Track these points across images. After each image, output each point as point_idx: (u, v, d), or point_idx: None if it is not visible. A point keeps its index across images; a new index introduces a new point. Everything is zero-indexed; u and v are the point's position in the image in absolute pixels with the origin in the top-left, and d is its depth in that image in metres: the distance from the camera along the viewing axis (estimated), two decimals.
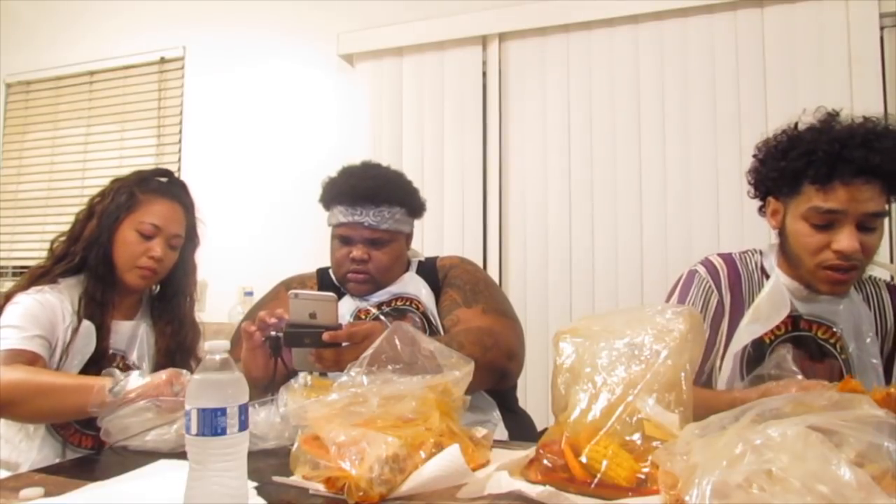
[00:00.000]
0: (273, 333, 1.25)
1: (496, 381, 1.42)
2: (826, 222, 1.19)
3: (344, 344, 1.21)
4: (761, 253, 1.37)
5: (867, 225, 1.18)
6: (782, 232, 1.28)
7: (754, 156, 1.34)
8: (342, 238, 1.57)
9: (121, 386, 1.17)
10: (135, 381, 1.18)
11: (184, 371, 1.22)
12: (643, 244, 2.37)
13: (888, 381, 1.26)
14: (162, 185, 1.52)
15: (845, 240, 1.16)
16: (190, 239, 1.55)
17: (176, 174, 1.59)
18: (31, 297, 1.37)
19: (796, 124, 1.27)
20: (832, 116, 1.23)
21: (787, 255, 1.28)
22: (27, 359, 1.28)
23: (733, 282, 1.33)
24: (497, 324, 1.46)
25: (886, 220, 2.04)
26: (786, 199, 1.26)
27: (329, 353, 1.21)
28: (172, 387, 1.17)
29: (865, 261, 1.21)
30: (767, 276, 1.31)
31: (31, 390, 1.20)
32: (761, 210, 1.36)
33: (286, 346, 1.24)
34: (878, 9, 2.15)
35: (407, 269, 1.64)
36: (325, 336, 1.19)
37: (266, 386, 1.24)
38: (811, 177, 1.19)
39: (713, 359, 1.29)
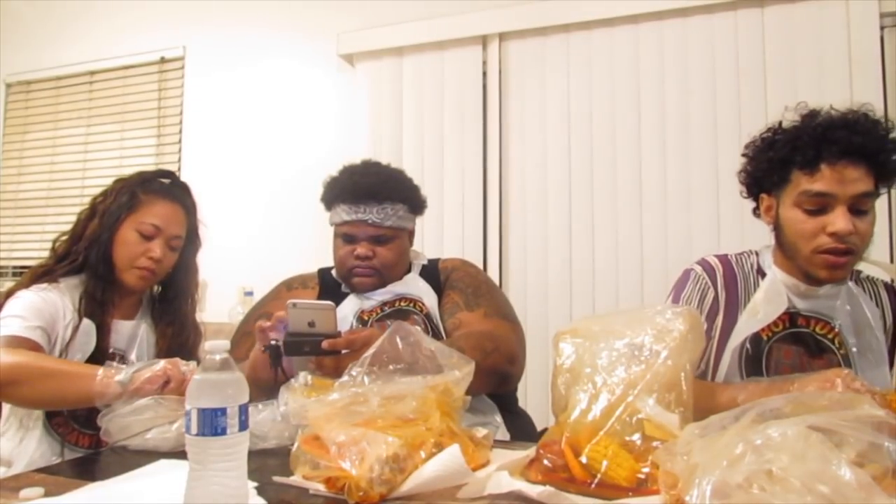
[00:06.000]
0: (273, 343, 1.25)
1: (497, 385, 1.42)
2: (818, 206, 1.20)
3: (343, 351, 1.21)
4: (757, 253, 1.38)
5: (859, 207, 1.19)
6: (777, 225, 1.29)
7: (743, 154, 1.37)
8: (346, 236, 1.56)
9: (126, 374, 1.17)
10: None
11: (180, 360, 1.23)
12: (643, 244, 2.37)
13: (891, 377, 1.26)
14: (164, 186, 1.52)
15: (839, 221, 1.17)
16: (191, 241, 1.56)
17: (176, 174, 1.60)
18: (32, 292, 1.38)
19: (780, 122, 1.30)
20: (814, 110, 1.26)
21: (783, 246, 1.29)
22: (29, 346, 1.29)
23: (729, 280, 1.34)
24: (498, 328, 1.46)
25: (886, 220, 2.08)
26: (777, 191, 1.28)
27: (329, 361, 1.21)
28: (179, 368, 1.19)
29: (861, 246, 1.22)
30: (763, 276, 1.32)
31: (34, 372, 1.21)
32: (755, 211, 1.37)
33: (286, 355, 1.24)
34: (878, 9, 2.15)
35: (409, 270, 1.64)
36: (324, 344, 1.19)
37: (271, 391, 1.24)
38: (798, 162, 1.22)
39: (707, 354, 1.30)
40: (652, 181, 2.37)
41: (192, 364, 1.23)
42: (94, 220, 1.46)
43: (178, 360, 1.22)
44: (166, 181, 1.54)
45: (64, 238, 1.49)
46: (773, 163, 1.27)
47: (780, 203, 1.27)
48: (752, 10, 2.27)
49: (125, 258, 1.44)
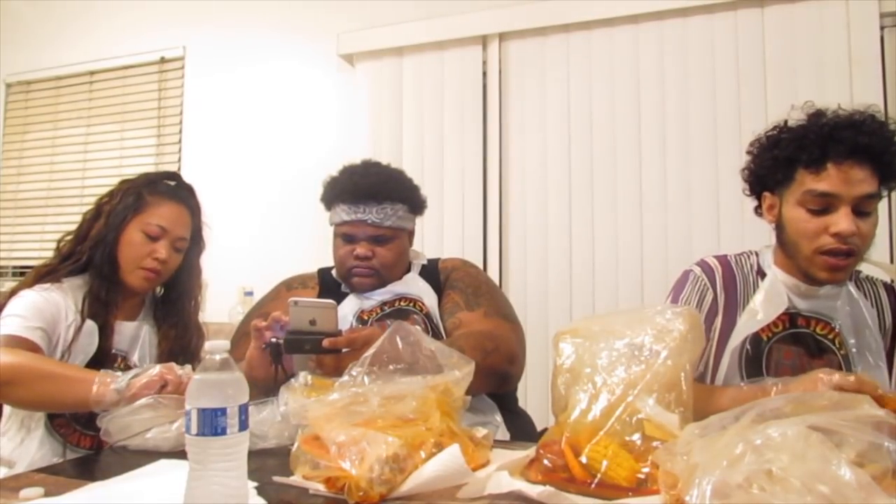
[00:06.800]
0: (273, 340, 1.25)
1: (497, 385, 1.42)
2: (822, 206, 1.20)
3: (344, 350, 1.21)
4: (757, 254, 1.38)
5: (862, 209, 1.19)
6: (779, 224, 1.29)
7: (748, 152, 1.36)
8: (345, 236, 1.57)
9: (122, 381, 1.17)
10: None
11: (175, 364, 1.22)
12: (643, 244, 2.37)
13: (890, 377, 1.27)
14: (170, 187, 1.53)
15: (843, 221, 1.17)
16: (195, 242, 1.56)
17: (181, 176, 1.60)
18: (35, 292, 1.38)
19: (786, 121, 1.30)
20: (821, 110, 1.26)
21: (785, 245, 1.28)
22: (28, 347, 1.29)
23: (728, 281, 1.34)
24: (498, 328, 1.46)
25: (886, 221, 2.08)
26: (781, 189, 1.28)
27: (329, 360, 1.22)
28: (175, 371, 1.18)
29: (862, 247, 1.22)
30: (763, 276, 1.32)
31: (31, 373, 1.21)
32: (757, 209, 1.37)
33: (287, 352, 1.24)
34: (878, 9, 2.15)
35: (409, 270, 1.64)
36: (325, 342, 1.20)
37: (268, 389, 1.24)
38: (804, 161, 1.21)
39: (706, 356, 1.30)
40: (652, 181, 2.37)
41: (188, 368, 1.22)
42: (99, 220, 1.46)
43: (173, 364, 1.22)
44: (172, 183, 1.55)
45: (68, 238, 1.49)
46: (777, 161, 1.26)
47: (784, 202, 1.27)
48: (752, 10, 2.27)
49: (130, 259, 1.44)
